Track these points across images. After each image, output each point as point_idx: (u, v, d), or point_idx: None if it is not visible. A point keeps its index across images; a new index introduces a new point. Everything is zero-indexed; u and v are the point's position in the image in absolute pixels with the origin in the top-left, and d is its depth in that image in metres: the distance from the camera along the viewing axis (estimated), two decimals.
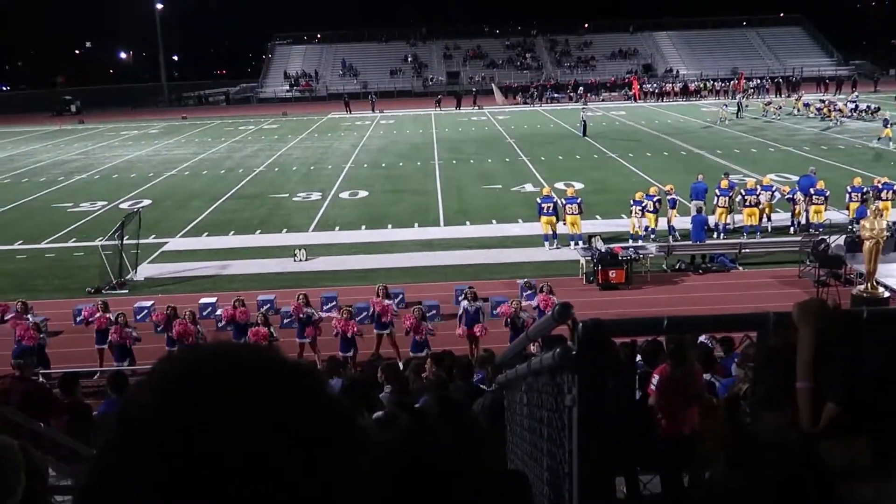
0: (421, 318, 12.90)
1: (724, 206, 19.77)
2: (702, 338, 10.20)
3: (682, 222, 19.96)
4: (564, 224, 19.32)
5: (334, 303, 15.20)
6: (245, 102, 73.69)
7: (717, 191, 19.92)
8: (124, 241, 18.17)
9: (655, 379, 6.82)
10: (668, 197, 19.81)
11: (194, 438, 0.65)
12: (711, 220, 19.75)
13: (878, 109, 41.49)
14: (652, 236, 19.70)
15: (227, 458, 0.65)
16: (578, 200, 19.34)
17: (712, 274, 17.45)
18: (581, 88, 62.57)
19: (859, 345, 1.80)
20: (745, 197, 19.64)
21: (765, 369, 1.92)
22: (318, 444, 0.70)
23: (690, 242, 18.75)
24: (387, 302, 13.63)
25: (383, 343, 13.45)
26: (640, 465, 6.56)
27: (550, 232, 19.19)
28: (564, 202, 19.31)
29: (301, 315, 13.38)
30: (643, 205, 19.43)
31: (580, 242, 18.89)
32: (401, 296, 15.52)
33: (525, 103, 59.64)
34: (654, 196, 19.62)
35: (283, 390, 0.71)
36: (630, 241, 19.26)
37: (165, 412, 0.67)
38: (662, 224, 19.74)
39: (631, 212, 19.60)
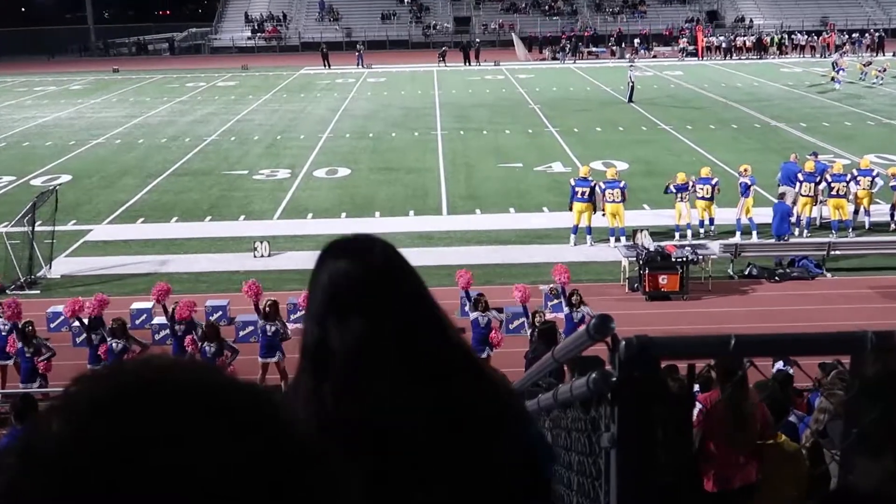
0: None
1: (808, 195, 19.74)
2: (779, 364, 10.21)
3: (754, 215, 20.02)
4: (603, 214, 19.39)
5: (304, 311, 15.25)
6: (194, 52, 73.87)
7: (800, 175, 19.81)
8: (35, 228, 18.21)
9: (697, 409, 6.79)
10: (740, 181, 19.76)
11: (118, 477, 0.66)
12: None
13: None
14: (712, 229, 19.78)
15: (158, 500, 0.66)
16: (621, 184, 19.38)
17: (792, 281, 17.48)
18: (637, 41, 62.63)
19: None
20: (832, 184, 19.60)
21: (859, 405, 1.91)
22: (272, 484, 0.71)
23: (761, 241, 18.77)
24: None
25: None
26: None
27: (585, 224, 19.28)
28: (604, 186, 19.36)
29: (268, 332, 13.40)
30: (688, 189, 19.48)
31: (622, 238, 18.95)
32: None
33: (554, 59, 59.78)
34: (711, 179, 19.65)
35: (229, 419, 0.72)
36: (678, 236, 19.39)
37: (82, 445, 0.67)
38: (721, 216, 19.81)
39: (676, 198, 19.64)
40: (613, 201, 19.21)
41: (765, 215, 19.43)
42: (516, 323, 14.80)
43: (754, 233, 19.39)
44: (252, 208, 23.11)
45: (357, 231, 1.94)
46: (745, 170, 20.01)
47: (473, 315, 13.53)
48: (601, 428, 2.00)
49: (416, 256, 16.89)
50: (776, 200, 19.34)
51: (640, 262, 16.73)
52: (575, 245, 19.30)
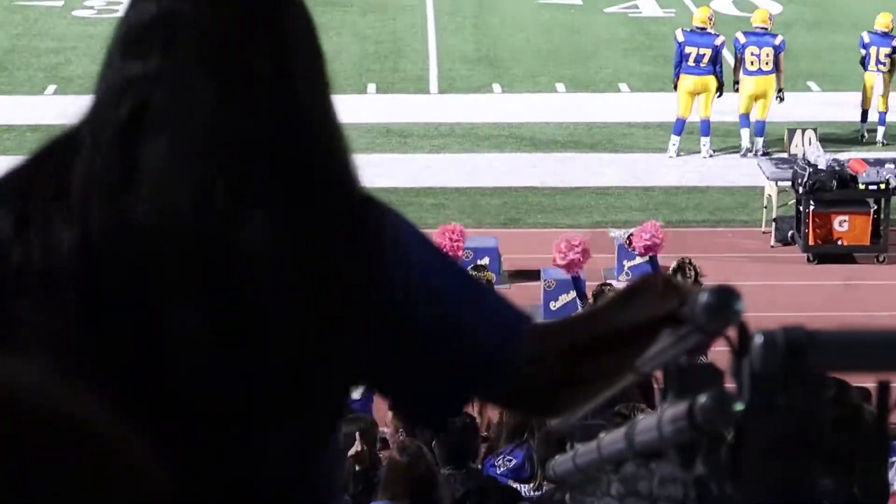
0: None
1: None
2: None
3: None
4: (736, 89, 19.47)
5: None
6: None
7: None
8: None
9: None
10: None
11: None
12: None
13: None
14: None
15: None
16: (777, 41, 19.47)
17: None
18: None
19: None
20: None
21: None
22: None
23: None
24: None
25: None
26: None
27: (701, 116, 19.35)
28: (744, 41, 19.46)
29: None
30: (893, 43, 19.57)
31: (761, 143, 19.12)
32: None
33: None
34: None
35: None
36: (865, 134, 19.61)
37: None
38: None
39: (864, 60, 19.65)
40: (759, 72, 19.25)
41: None
42: (564, 300, 14.89)
43: None
44: (70, 72, 23.09)
45: None
46: None
47: None
48: (713, 492, 2.00)
49: (378, 171, 16.69)
50: None
51: (801, 189, 16.70)
52: (678, 155, 19.36)
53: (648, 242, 13.78)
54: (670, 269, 13.74)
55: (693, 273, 13.51)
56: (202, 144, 1.85)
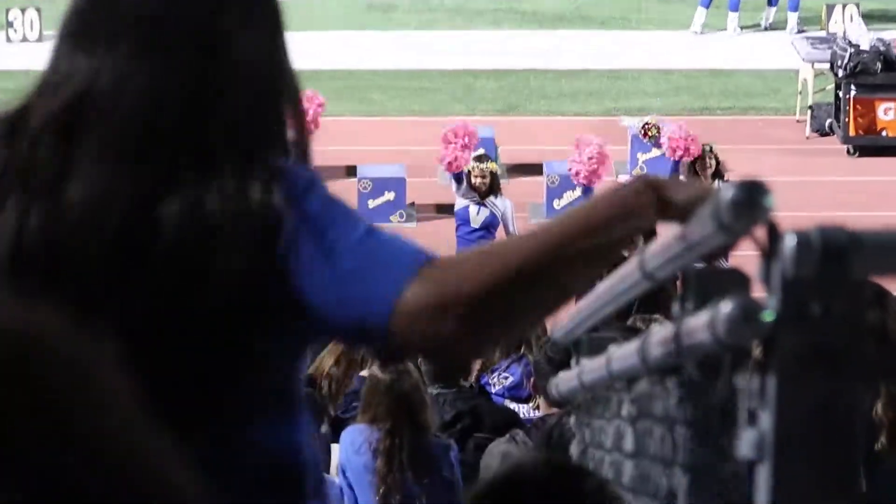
0: None
1: None
2: None
3: None
4: None
5: None
6: None
7: None
8: None
9: None
10: None
11: None
12: None
13: None
14: None
15: None
16: None
17: None
18: None
19: None
20: None
21: None
22: None
23: None
24: None
25: None
26: None
27: None
28: None
29: None
30: None
31: (796, 20, 19.15)
32: None
33: None
34: None
35: None
36: None
37: None
38: None
39: None
40: None
41: None
42: (570, 197, 14.81)
43: None
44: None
45: None
46: None
47: (461, 203, 13.52)
48: (738, 420, 1.98)
49: (357, 51, 16.65)
50: None
51: (841, 72, 16.67)
52: (702, 32, 19.32)
53: (682, 146, 13.78)
54: (694, 159, 13.76)
55: (714, 163, 13.55)
56: (131, 135, 1.97)
